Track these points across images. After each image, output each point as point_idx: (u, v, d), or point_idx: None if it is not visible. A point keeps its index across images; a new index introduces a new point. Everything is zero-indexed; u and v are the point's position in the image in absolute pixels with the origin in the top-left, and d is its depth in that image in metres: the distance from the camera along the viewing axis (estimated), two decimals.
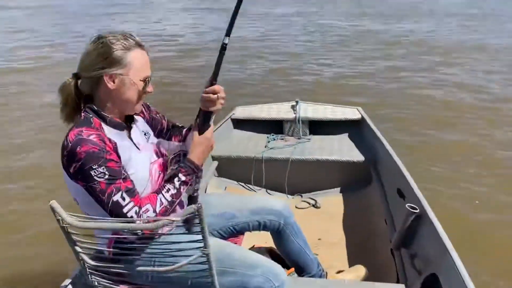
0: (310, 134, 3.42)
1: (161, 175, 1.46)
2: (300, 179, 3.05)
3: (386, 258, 2.13)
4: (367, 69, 8.39)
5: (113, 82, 1.33)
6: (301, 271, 1.90)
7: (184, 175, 1.39)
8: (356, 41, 11.58)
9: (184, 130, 1.67)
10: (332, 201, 2.95)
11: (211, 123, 1.50)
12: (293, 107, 3.53)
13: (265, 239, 1.93)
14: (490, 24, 14.92)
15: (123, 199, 1.26)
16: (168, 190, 1.36)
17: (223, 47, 1.45)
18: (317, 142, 3.30)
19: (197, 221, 1.14)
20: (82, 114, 1.35)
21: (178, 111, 5.07)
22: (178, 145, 1.64)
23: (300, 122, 3.37)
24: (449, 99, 6.32)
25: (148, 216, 1.28)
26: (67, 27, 13.86)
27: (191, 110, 1.81)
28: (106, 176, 1.25)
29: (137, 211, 1.28)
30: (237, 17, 1.42)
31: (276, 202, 1.82)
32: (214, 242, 1.33)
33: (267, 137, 3.40)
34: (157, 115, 1.63)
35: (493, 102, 6.16)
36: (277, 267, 1.45)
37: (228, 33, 1.44)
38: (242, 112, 3.56)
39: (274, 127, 3.45)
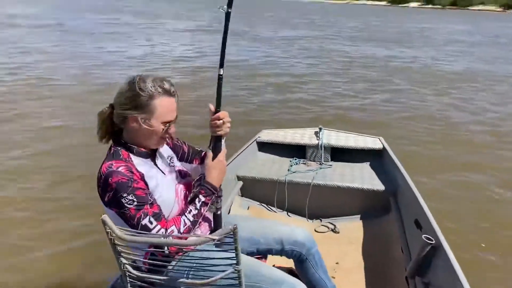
0: (331, 160, 3.51)
1: (187, 194, 1.62)
2: (320, 203, 3.12)
3: (400, 286, 2.20)
4: (383, 98, 8.57)
5: (136, 123, 1.51)
6: None
7: (203, 196, 1.55)
8: (374, 69, 11.89)
9: (203, 153, 1.83)
10: (351, 227, 3.01)
11: (223, 146, 1.66)
12: (316, 133, 3.65)
13: (286, 260, 2.00)
14: None
15: (151, 223, 1.43)
16: (190, 211, 1.51)
17: (220, 78, 1.62)
18: (339, 168, 3.38)
19: (231, 240, 1.25)
20: (112, 148, 1.54)
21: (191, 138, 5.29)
22: (198, 167, 1.81)
23: (323, 148, 3.47)
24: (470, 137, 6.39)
25: (174, 235, 1.42)
26: (72, 46, 13.98)
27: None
28: (135, 203, 1.41)
29: (164, 232, 1.43)
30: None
31: (299, 233, 1.89)
32: (243, 258, 1.41)
33: (290, 161, 3.50)
34: (178, 142, 1.82)
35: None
36: (301, 284, 1.56)
37: (221, 65, 1.61)
38: (267, 135, 3.69)
39: (297, 151, 3.54)
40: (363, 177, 3.20)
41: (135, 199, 1.42)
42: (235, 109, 7.12)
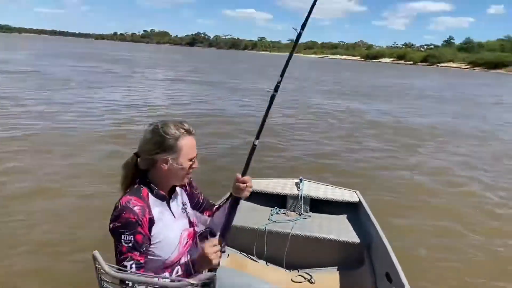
0: (310, 211, 3.62)
1: (189, 242, 1.75)
2: (298, 253, 3.20)
3: None
4: (358, 150, 8.95)
5: (166, 164, 1.67)
6: None
7: (182, 271, 1.63)
8: (350, 121, 12.33)
9: (214, 208, 2.00)
10: (327, 278, 3.09)
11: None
12: (297, 184, 3.78)
13: None
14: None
15: (131, 267, 1.53)
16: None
17: (253, 148, 1.82)
18: (317, 220, 3.49)
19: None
20: (137, 185, 1.68)
21: None
22: (207, 219, 1.97)
23: (303, 199, 3.59)
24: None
25: None
26: (51, 95, 13.79)
27: None
28: (130, 244, 1.54)
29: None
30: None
31: None
32: None
33: (271, 210, 3.60)
34: (197, 191, 1.97)
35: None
36: None
37: (257, 137, 1.82)
38: None
39: (278, 201, 3.65)
40: (339, 229, 3.31)
41: (132, 241, 1.55)
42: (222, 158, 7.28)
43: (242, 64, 53.18)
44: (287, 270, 3.20)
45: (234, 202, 1.83)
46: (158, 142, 1.65)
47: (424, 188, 6.58)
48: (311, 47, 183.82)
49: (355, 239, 3.17)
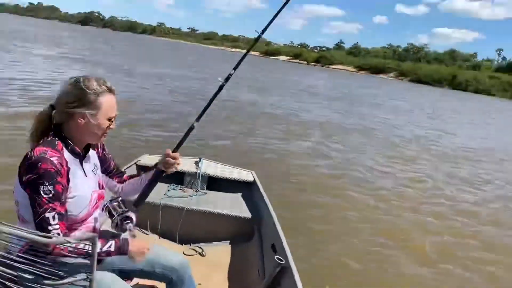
0: (207, 189, 3.76)
1: (97, 204, 1.79)
2: (191, 228, 3.33)
3: None
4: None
5: (83, 119, 1.64)
6: None
7: (114, 249, 1.63)
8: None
9: (125, 175, 2.05)
10: (218, 251, 3.27)
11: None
12: (196, 162, 3.91)
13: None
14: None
15: (53, 219, 1.51)
16: (94, 246, 1.49)
17: (190, 128, 2.01)
18: (212, 196, 3.64)
19: (88, 247, 1.36)
20: (50, 136, 1.64)
21: None
22: (115, 185, 2.01)
23: (200, 176, 3.71)
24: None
25: (65, 246, 1.46)
26: None
27: None
28: (50, 195, 1.51)
29: (59, 235, 1.50)
30: None
31: (174, 257, 2.01)
32: (111, 276, 1.65)
33: (168, 186, 3.65)
34: (109, 155, 1.99)
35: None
36: None
37: (198, 119, 2.00)
38: (148, 159, 3.83)
39: (176, 178, 3.71)
40: (233, 205, 3.51)
41: (52, 192, 1.51)
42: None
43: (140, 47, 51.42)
44: (179, 244, 3.30)
45: (157, 175, 1.92)
46: (78, 95, 1.62)
47: (313, 171, 7.44)
48: (210, 38, 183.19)
49: (246, 215, 3.38)
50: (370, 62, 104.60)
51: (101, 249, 1.59)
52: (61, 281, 1.45)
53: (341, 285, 3.73)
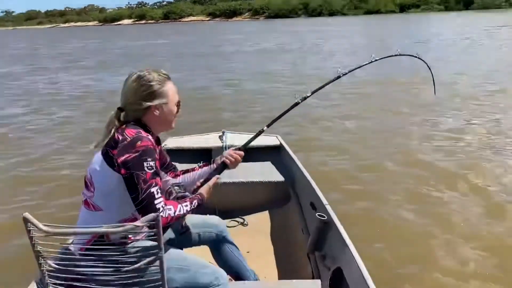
0: None
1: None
2: (229, 201, 3.48)
3: (303, 261, 2.73)
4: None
5: (158, 110, 1.79)
6: (239, 280, 2.32)
7: (197, 202, 1.85)
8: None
9: (178, 171, 2.18)
10: (258, 219, 3.48)
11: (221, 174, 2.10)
12: (220, 137, 3.97)
13: (203, 254, 2.29)
14: None
15: (157, 193, 1.64)
16: (186, 205, 1.78)
17: (260, 132, 2.23)
18: (243, 167, 3.66)
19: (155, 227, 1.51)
20: (132, 123, 1.75)
21: None
22: (169, 179, 2.12)
23: (227, 150, 3.75)
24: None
25: (168, 213, 1.66)
26: None
27: None
28: (153, 170, 1.63)
29: (163, 206, 1.64)
30: None
31: (211, 217, 2.31)
32: (170, 249, 1.86)
33: (197, 165, 3.66)
34: (163, 151, 2.10)
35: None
36: (221, 269, 1.95)
37: (269, 125, 2.22)
38: (173, 142, 3.86)
39: (203, 155, 3.77)
40: (265, 172, 3.67)
41: (154, 167, 1.63)
42: None
43: None
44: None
45: (221, 169, 2.11)
46: (148, 89, 1.74)
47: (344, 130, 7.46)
48: (33, 17, 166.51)
49: (280, 179, 3.57)
50: (221, 7, 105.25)
51: (191, 207, 1.80)
52: (133, 266, 1.58)
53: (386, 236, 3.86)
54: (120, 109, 1.76)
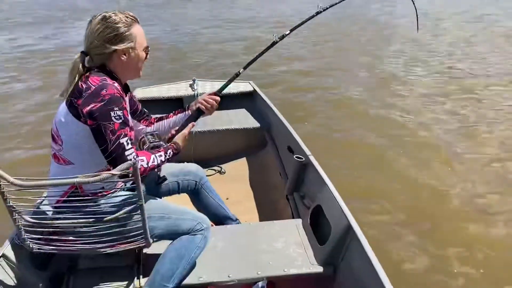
0: None
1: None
2: (205, 151, 3.46)
3: (283, 203, 2.80)
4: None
5: (125, 54, 1.66)
6: (221, 225, 2.36)
7: (172, 151, 1.79)
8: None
9: (152, 118, 2.12)
10: (235, 166, 3.50)
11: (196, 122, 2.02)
12: (191, 85, 3.89)
13: (183, 202, 2.28)
14: None
15: (127, 144, 1.57)
16: (160, 155, 1.72)
17: (237, 74, 2.13)
18: (217, 115, 3.65)
19: (132, 176, 1.50)
20: (95, 70, 1.63)
21: None
22: (143, 128, 2.06)
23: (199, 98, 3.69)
24: None
25: (141, 164, 1.61)
26: None
27: None
28: (121, 120, 1.55)
29: (135, 157, 1.59)
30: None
31: (189, 165, 2.28)
32: (151, 198, 1.84)
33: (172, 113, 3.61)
34: (135, 98, 2.01)
35: None
36: (202, 214, 1.93)
37: (245, 67, 2.12)
38: (142, 93, 3.76)
39: (175, 105, 3.69)
40: (240, 119, 3.65)
41: (122, 116, 1.55)
42: None
43: None
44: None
45: (197, 116, 2.04)
46: (113, 32, 1.61)
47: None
48: None
49: (255, 125, 3.56)
50: None
51: (166, 158, 1.75)
52: (112, 216, 1.57)
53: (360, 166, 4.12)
54: (84, 53, 1.64)
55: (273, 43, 2.18)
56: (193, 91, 3.83)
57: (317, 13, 2.29)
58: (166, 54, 9.18)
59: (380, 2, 15.93)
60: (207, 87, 3.91)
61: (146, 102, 3.73)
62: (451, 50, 8.69)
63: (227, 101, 3.83)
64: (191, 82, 3.96)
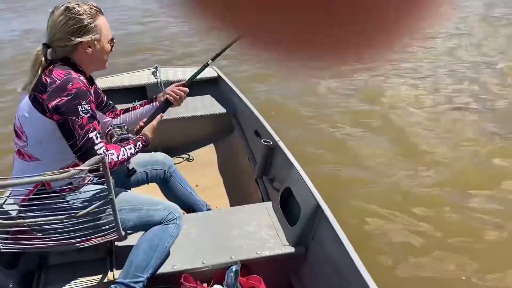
0: None
1: None
2: (171, 138, 3.43)
3: (253, 188, 2.84)
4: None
5: (90, 47, 1.64)
6: (192, 212, 2.36)
7: (141, 143, 1.79)
8: None
9: (118, 110, 2.10)
10: (203, 152, 3.50)
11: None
12: (153, 73, 3.83)
13: (153, 192, 2.29)
14: None
15: (97, 138, 1.56)
16: (130, 148, 1.72)
17: (205, 65, 2.15)
18: (182, 103, 3.66)
19: (101, 170, 1.51)
20: (58, 63, 1.60)
21: None
22: (109, 120, 2.04)
23: (162, 86, 3.64)
24: None
25: (111, 158, 1.60)
26: None
27: None
28: (89, 114, 1.54)
29: (105, 151, 1.58)
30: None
31: (156, 154, 2.30)
32: (121, 190, 1.84)
33: (133, 104, 3.54)
34: (99, 90, 1.99)
35: None
36: (174, 203, 1.95)
37: (213, 58, 2.10)
38: (104, 82, 3.66)
39: (138, 93, 3.65)
40: (205, 105, 3.63)
41: (90, 110, 1.54)
42: None
43: None
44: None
45: (164, 107, 2.04)
46: (77, 24, 1.59)
47: None
48: None
49: (221, 110, 3.55)
50: None
51: (136, 150, 1.75)
52: (82, 212, 1.58)
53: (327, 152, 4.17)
54: (46, 45, 1.61)
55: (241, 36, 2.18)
56: (156, 78, 3.78)
57: None
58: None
59: None
60: (169, 74, 3.88)
61: (108, 91, 3.62)
62: None
63: (191, 88, 3.78)
64: (154, 70, 3.91)
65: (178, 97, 2.04)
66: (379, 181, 3.62)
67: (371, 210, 3.25)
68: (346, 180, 3.65)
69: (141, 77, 3.84)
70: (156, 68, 3.90)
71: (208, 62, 2.14)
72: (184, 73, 3.96)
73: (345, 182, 3.62)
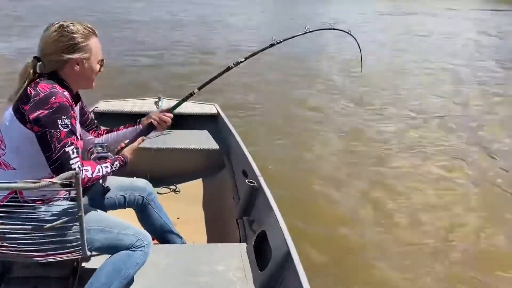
0: (171, 128, 3.77)
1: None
2: (161, 167, 3.47)
3: (232, 227, 2.83)
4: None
5: (78, 65, 1.69)
6: (166, 243, 2.36)
7: (119, 163, 1.80)
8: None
9: (101, 129, 2.13)
10: (191, 186, 3.51)
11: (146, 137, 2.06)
12: (156, 102, 3.92)
13: (128, 217, 2.31)
14: None
15: (73, 152, 1.57)
16: (106, 167, 1.73)
17: (191, 94, 2.19)
18: (178, 134, 3.73)
19: (74, 185, 1.51)
20: (46, 76, 1.65)
21: None
22: (91, 138, 2.08)
23: (151, 114, 3.70)
24: None
25: (85, 174, 1.61)
26: None
27: None
28: (68, 129, 1.56)
29: (80, 166, 1.58)
30: None
31: (138, 180, 2.30)
32: (94, 209, 1.85)
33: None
34: (85, 108, 2.03)
35: None
36: (145, 231, 1.93)
37: (200, 88, 2.20)
38: (106, 106, 3.74)
39: (138, 121, 3.66)
40: (200, 140, 3.68)
41: (69, 125, 1.56)
42: None
43: None
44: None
45: (148, 130, 2.08)
46: (69, 42, 1.65)
47: None
48: None
49: (215, 147, 3.60)
50: None
51: (112, 169, 1.76)
52: (49, 225, 1.59)
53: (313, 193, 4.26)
54: (36, 59, 1.66)
55: (228, 68, 2.26)
56: (157, 108, 3.84)
57: (271, 45, 2.38)
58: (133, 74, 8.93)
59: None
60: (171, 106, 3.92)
61: (108, 115, 3.76)
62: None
63: (191, 122, 3.89)
64: (157, 100, 3.99)
65: (162, 121, 2.07)
66: None
67: None
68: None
69: (143, 104, 3.92)
70: (160, 98, 3.99)
71: (194, 91, 2.21)
72: (186, 106, 4.02)
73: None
